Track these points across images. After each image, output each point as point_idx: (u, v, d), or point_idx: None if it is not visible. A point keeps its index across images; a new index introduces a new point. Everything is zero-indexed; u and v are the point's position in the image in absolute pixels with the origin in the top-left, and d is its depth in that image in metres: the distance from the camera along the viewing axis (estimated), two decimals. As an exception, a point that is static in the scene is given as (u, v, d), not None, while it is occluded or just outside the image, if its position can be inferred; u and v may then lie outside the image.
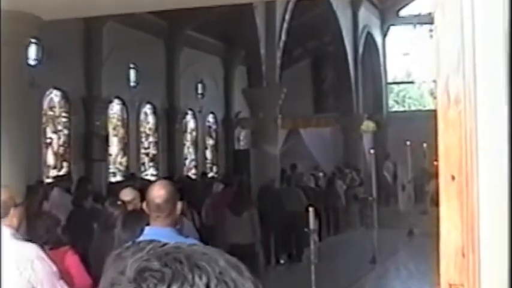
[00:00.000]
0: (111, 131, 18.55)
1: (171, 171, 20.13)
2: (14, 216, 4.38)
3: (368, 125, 25.19)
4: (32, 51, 14.76)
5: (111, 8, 8.55)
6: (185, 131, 22.52)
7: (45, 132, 16.16)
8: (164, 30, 20.35)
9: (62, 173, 15.62)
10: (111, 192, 11.82)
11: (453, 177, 1.97)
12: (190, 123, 23.06)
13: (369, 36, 26.12)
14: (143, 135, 20.42)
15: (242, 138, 26.13)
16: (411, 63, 27.44)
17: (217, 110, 24.46)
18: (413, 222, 17.84)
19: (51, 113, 16.42)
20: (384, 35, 28.06)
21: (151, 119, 20.79)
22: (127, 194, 6.29)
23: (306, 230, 9.65)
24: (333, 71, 26.31)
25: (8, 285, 3.99)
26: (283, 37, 17.51)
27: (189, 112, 22.65)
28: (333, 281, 11.71)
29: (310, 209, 9.38)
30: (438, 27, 2.07)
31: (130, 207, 5.81)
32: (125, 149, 19.33)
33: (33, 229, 5.28)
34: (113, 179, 18.07)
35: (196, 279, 0.98)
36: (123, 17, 14.01)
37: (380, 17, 27.81)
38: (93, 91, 17.12)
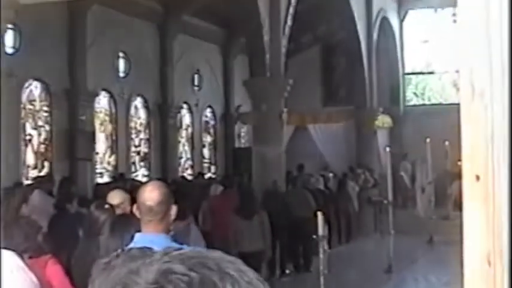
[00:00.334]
0: (97, 127, 18.58)
1: (164, 172, 20.17)
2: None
3: (383, 120, 25.17)
4: (9, 38, 14.78)
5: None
6: (180, 127, 22.55)
7: (24, 128, 16.18)
8: (157, 15, 20.36)
9: (42, 173, 15.66)
10: (97, 195, 11.83)
11: (478, 178, 1.97)
12: (186, 119, 23.08)
13: (385, 21, 26.09)
14: (133, 131, 20.44)
15: (243, 135, 26.16)
16: (432, 51, 27.42)
17: (216, 104, 24.48)
18: (434, 229, 17.84)
19: (30, 106, 16.44)
20: (402, 20, 28.03)
21: (142, 113, 20.81)
22: (115, 197, 6.29)
23: (314, 237, 9.66)
24: (344, 60, 26.28)
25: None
26: (288, 22, 17.49)
27: (184, 106, 22.67)
28: (344, 293, 11.73)
29: (319, 214, 9.38)
30: (462, 10, 2.07)
31: (118, 212, 5.81)
32: (113, 146, 19.36)
33: (11, 236, 5.28)
34: (99, 180, 18.10)
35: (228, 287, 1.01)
36: None
37: (397, -1, 27.82)
38: (77, 83, 17.14)
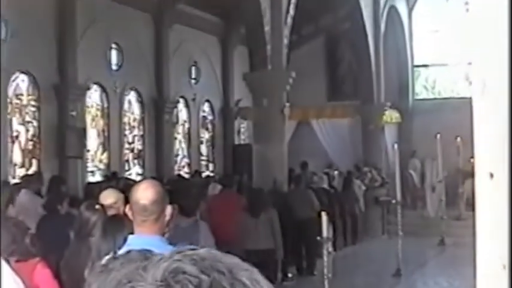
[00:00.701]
0: (89, 123, 18.58)
1: (159, 170, 20.17)
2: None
3: (391, 115, 25.17)
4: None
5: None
6: (176, 123, 22.54)
7: (10, 124, 16.18)
8: (152, 3, 20.35)
9: (30, 172, 15.65)
10: (89, 195, 11.80)
11: (492, 175, 1.97)
12: (182, 114, 23.08)
13: (393, 11, 26.07)
14: (127, 127, 20.44)
15: (243, 131, 26.16)
16: (442, 42, 27.38)
17: (214, 98, 24.47)
18: (445, 230, 17.87)
19: (17, 101, 16.43)
20: (410, 9, 28.00)
21: (136, 108, 20.81)
22: (108, 197, 6.29)
23: (318, 238, 9.68)
24: (350, 52, 26.29)
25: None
26: (291, 12, 17.48)
27: (181, 100, 22.67)
28: (350, 298, 11.75)
29: (323, 214, 9.39)
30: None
31: (111, 212, 5.81)
32: (105, 143, 19.36)
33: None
34: (91, 179, 18.11)
35: None
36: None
37: (406, -13, 27.79)
38: (67, 75, 17.12)
